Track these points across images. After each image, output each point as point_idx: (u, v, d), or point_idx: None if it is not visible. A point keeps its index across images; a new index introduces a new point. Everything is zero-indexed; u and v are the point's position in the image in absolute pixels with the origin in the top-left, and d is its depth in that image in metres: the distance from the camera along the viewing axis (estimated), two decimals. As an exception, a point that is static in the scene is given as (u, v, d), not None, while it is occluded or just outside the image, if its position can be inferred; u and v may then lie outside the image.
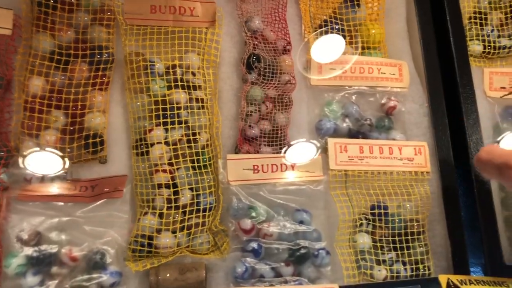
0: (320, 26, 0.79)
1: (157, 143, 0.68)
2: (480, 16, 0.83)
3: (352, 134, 0.75)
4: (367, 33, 0.79)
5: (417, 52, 0.80)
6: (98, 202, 0.66)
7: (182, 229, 0.66)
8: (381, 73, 0.77)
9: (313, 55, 0.77)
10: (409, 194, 0.73)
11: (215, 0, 0.73)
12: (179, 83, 0.70)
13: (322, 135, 0.74)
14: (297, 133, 0.74)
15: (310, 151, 0.73)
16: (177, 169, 0.68)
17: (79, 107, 0.67)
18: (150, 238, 0.64)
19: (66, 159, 0.66)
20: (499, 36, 0.83)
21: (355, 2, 0.78)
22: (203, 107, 0.71)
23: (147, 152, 0.68)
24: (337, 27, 0.78)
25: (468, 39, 0.82)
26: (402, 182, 0.73)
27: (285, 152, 0.72)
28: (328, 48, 0.78)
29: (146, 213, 0.66)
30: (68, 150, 0.66)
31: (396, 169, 0.73)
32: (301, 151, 0.73)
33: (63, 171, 0.66)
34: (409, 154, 0.74)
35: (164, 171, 0.67)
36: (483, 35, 0.83)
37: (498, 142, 0.80)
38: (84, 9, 0.70)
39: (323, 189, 0.71)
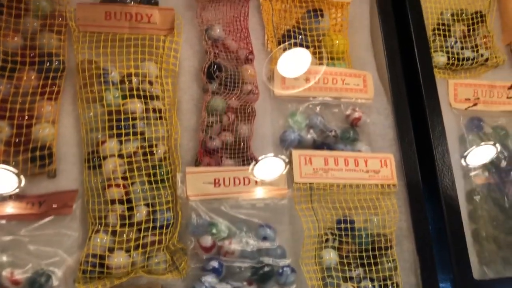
0: (283, 36, 0.77)
1: (110, 156, 0.64)
2: (443, 27, 0.83)
3: (317, 145, 0.72)
4: (331, 43, 0.77)
5: (381, 63, 0.79)
6: (46, 220, 0.61)
7: (137, 247, 0.61)
8: (345, 84, 0.75)
9: (278, 68, 0.74)
10: (375, 208, 0.70)
11: (173, 7, 0.70)
12: (135, 93, 0.67)
13: (286, 147, 0.71)
14: (261, 145, 0.71)
15: (275, 166, 0.70)
16: (132, 183, 0.64)
17: (26, 117, 0.62)
18: (102, 257, 0.59)
19: (22, 177, 0.61)
20: (462, 48, 0.83)
21: (319, 13, 0.77)
22: (160, 117, 0.68)
23: (100, 166, 0.64)
24: (300, 37, 0.77)
25: (432, 50, 0.81)
26: (368, 195, 0.71)
27: (248, 165, 0.68)
28: (293, 62, 0.76)
29: (98, 231, 0.61)
30: (13, 163, 0.61)
31: (362, 182, 0.71)
32: (267, 167, 0.70)
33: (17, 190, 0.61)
34: (375, 166, 0.72)
35: (118, 185, 0.63)
36: (447, 47, 0.82)
37: (465, 157, 0.79)
38: (33, 14, 0.66)
39: (288, 203, 0.68)
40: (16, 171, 0.61)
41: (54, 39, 0.66)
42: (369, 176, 0.71)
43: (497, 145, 0.79)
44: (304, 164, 0.69)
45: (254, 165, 0.68)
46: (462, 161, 0.79)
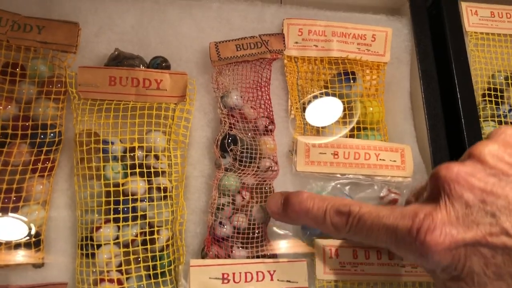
0: (309, 102, 0.68)
1: (105, 244, 0.56)
2: (495, 93, 0.72)
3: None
4: (364, 111, 0.67)
5: (423, 134, 0.69)
6: (27, 320, 0.53)
7: None
8: (380, 159, 0.65)
9: (300, 137, 0.66)
10: (413, 311, 0.60)
11: (186, 71, 0.63)
12: (137, 170, 0.59)
13: (308, 236, 0.61)
14: (279, 232, 0.62)
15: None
16: (127, 278, 0.55)
17: (13, 199, 0.55)
18: None
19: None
20: (517, 117, 0.72)
21: (350, 76, 0.67)
22: (165, 197, 0.60)
23: (93, 255, 0.56)
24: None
25: (482, 119, 0.70)
26: (404, 295, 0.60)
27: (264, 257, 0.59)
28: (318, 124, 0.67)
29: (85, 336, 0.53)
30: (-4, 251, 0.54)
31: (397, 279, 0.60)
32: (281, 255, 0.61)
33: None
34: (413, 259, 0.61)
35: (111, 280, 0.55)
36: (499, 115, 0.71)
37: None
38: (30, 80, 0.59)
39: (308, 304, 0.58)
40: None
41: (51, 108, 0.59)
42: (406, 271, 0.61)
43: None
44: (329, 257, 0.59)
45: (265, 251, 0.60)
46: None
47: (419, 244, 0.42)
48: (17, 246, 0.54)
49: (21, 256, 0.55)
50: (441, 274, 0.44)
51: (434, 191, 0.44)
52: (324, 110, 0.69)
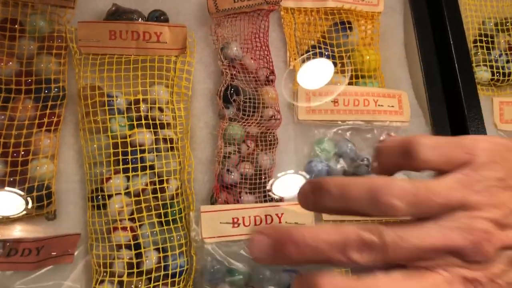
0: (307, 53, 0.69)
1: (116, 194, 0.56)
2: (486, 39, 0.74)
3: (348, 176, 0.64)
4: (361, 59, 0.69)
5: (418, 80, 0.70)
6: (44, 270, 0.54)
7: (146, 300, 0.54)
8: (379, 105, 0.67)
9: (300, 84, 0.67)
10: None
11: (185, 23, 0.63)
12: (143, 121, 0.60)
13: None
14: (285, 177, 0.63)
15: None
16: (140, 225, 0.56)
17: (22, 152, 0.56)
18: (107, 313, 0.53)
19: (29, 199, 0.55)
20: (508, 61, 0.74)
21: (347, 25, 0.69)
22: (172, 148, 0.60)
23: (104, 205, 0.57)
24: (326, 53, 0.69)
25: (474, 65, 0.72)
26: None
27: (271, 201, 0.61)
28: (316, 75, 0.68)
29: (102, 281, 0.54)
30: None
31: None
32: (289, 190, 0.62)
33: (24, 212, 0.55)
34: (413, 199, 0.63)
35: (124, 228, 0.56)
36: (490, 60, 0.73)
37: None
38: (29, 36, 0.59)
39: (316, 244, 0.60)
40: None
41: (53, 63, 0.59)
42: (407, 211, 0.63)
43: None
44: (333, 199, 0.61)
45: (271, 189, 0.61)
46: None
47: None
48: (29, 198, 0.55)
49: (33, 208, 0.55)
50: None
51: None
52: (317, 72, 0.69)
